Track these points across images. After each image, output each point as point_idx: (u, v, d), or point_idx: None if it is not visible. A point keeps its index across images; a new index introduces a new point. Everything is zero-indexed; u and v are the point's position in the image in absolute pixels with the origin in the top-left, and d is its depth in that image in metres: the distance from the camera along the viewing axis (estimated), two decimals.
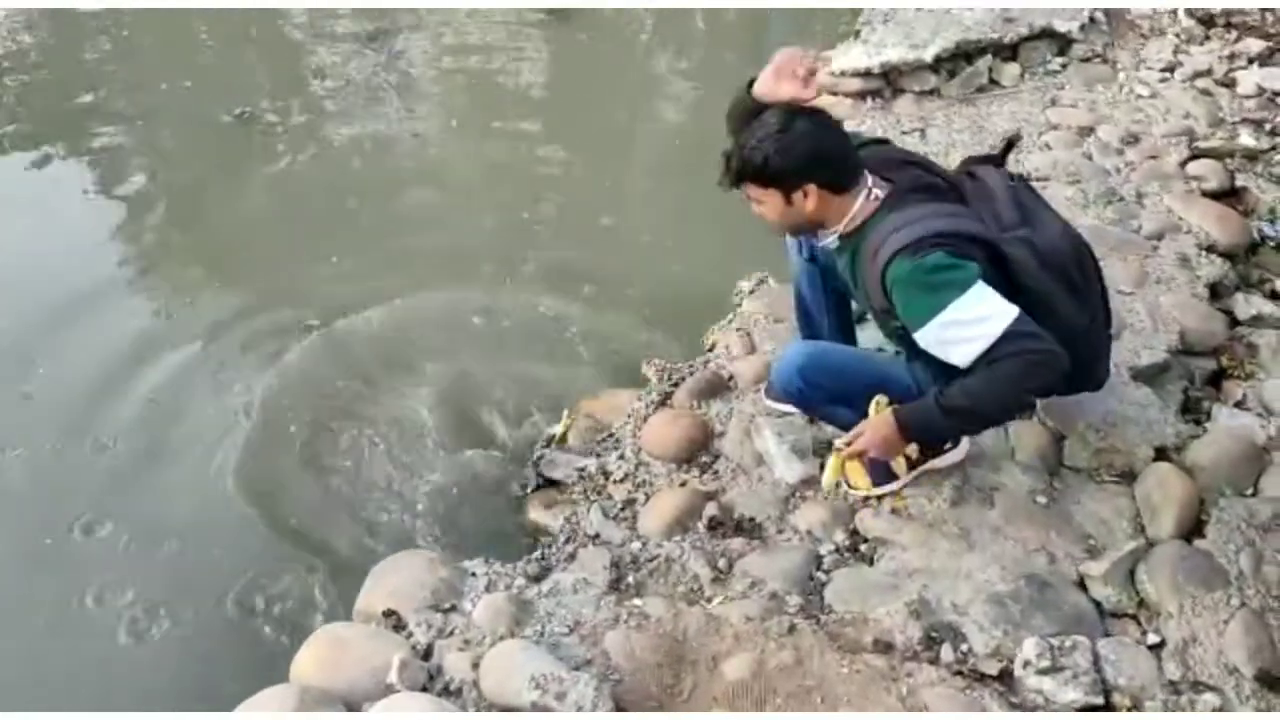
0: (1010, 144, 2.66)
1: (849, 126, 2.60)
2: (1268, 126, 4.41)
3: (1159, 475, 2.69)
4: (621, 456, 3.02)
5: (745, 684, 2.20)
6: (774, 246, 3.93)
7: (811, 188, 2.29)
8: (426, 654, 2.30)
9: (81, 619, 2.73)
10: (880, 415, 2.43)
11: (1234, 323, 3.42)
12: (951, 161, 3.44)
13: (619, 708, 2.14)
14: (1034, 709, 2.18)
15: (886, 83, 4.89)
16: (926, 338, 2.24)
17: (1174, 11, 5.38)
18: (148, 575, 2.84)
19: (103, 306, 3.88)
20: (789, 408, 2.98)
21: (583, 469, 3.01)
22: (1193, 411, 3.03)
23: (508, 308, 3.84)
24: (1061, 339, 2.34)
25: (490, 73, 5.87)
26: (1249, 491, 2.72)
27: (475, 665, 2.23)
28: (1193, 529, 2.61)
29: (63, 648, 2.67)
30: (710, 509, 2.74)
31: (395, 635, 2.34)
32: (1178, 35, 5.23)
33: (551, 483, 3.02)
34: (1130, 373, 3.04)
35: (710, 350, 3.47)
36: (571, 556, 2.65)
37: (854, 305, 2.90)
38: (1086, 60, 5.08)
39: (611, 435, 3.14)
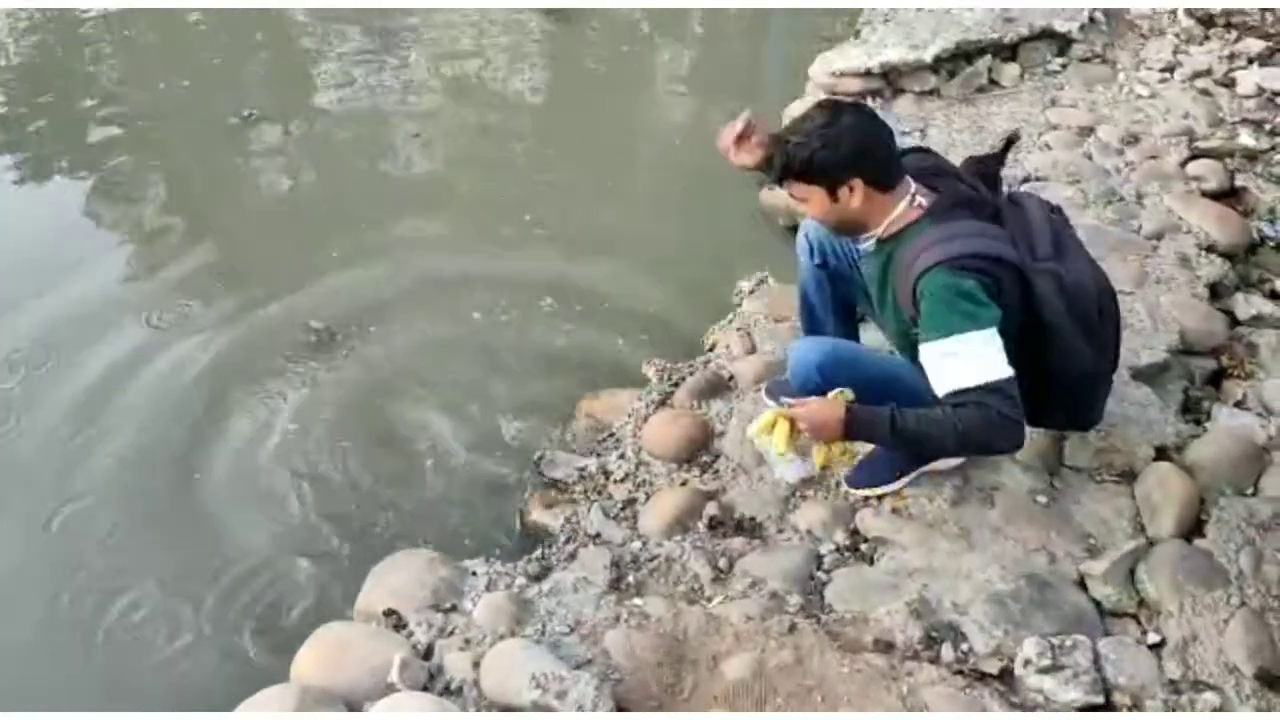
0: (1010, 143, 2.66)
1: None
2: (1267, 126, 4.41)
3: (1159, 475, 2.69)
4: (622, 456, 3.02)
5: (746, 683, 2.20)
6: (774, 247, 3.97)
7: (857, 183, 2.26)
8: (427, 653, 2.30)
9: (79, 617, 2.73)
10: (834, 401, 2.40)
11: (1234, 322, 3.42)
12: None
13: (619, 707, 2.14)
14: (1034, 708, 2.18)
15: (886, 83, 4.89)
16: (930, 352, 2.23)
17: (1174, 12, 5.38)
18: (147, 574, 2.83)
19: (106, 305, 3.88)
20: None
21: (583, 469, 3.02)
22: (1193, 411, 3.04)
23: (508, 306, 3.84)
24: (1068, 379, 2.36)
25: (491, 72, 5.87)
26: (1249, 491, 2.72)
27: (476, 664, 2.23)
28: (1193, 528, 2.61)
29: (62, 647, 2.67)
30: (710, 508, 2.74)
31: (396, 635, 2.34)
32: (1177, 35, 5.23)
33: (553, 482, 3.02)
34: (1130, 372, 3.04)
35: (710, 350, 3.48)
36: (572, 556, 2.65)
37: (858, 309, 2.91)
38: (1086, 60, 5.09)
39: (612, 435, 3.14)
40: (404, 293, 3.92)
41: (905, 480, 2.73)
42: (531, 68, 6.02)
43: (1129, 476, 2.75)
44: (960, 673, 2.25)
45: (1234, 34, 5.19)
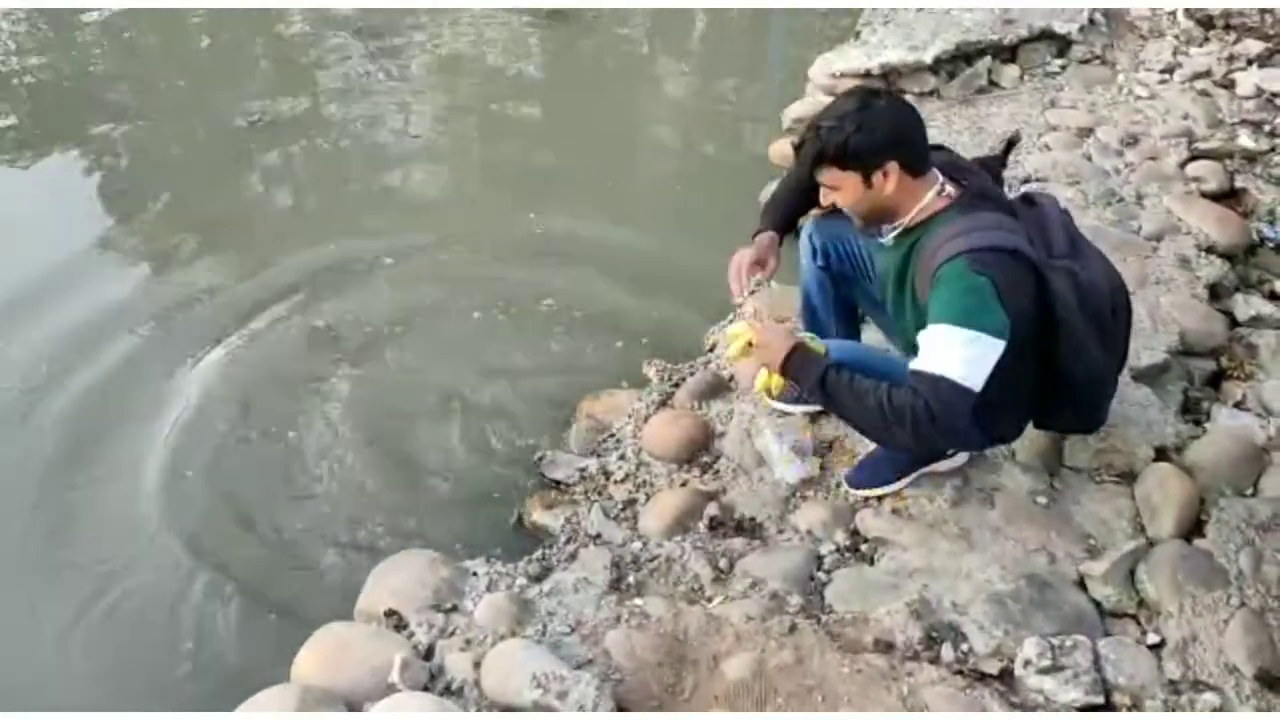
0: (1010, 145, 2.67)
1: None
2: (1267, 128, 4.41)
3: (1159, 475, 2.69)
4: (622, 457, 3.03)
5: (746, 683, 2.20)
6: None
7: (893, 167, 2.22)
8: (428, 654, 2.30)
9: (80, 616, 2.74)
10: (786, 332, 2.43)
11: (1233, 323, 3.43)
12: None
13: (620, 707, 2.14)
14: (1034, 708, 2.18)
15: (886, 84, 4.88)
16: (930, 332, 2.19)
17: (1173, 13, 5.39)
18: (147, 572, 2.84)
19: (111, 306, 3.89)
20: (790, 407, 2.99)
21: (583, 469, 3.02)
22: (1192, 412, 3.04)
23: (509, 306, 3.85)
24: (1077, 379, 2.35)
25: (490, 74, 5.87)
26: (1249, 491, 2.72)
27: (477, 665, 2.23)
28: (1192, 529, 2.61)
29: (61, 646, 2.67)
30: (711, 509, 2.75)
31: (397, 635, 2.35)
32: (1177, 37, 5.24)
33: (553, 483, 3.02)
34: (1130, 373, 3.04)
35: (711, 351, 3.48)
36: (572, 556, 2.66)
37: (860, 311, 2.91)
38: (1086, 62, 5.10)
39: (612, 435, 3.14)
40: (405, 294, 3.93)
41: (905, 481, 2.73)
42: (531, 69, 6.03)
43: (1129, 477, 2.75)
44: (960, 673, 2.25)
45: (1233, 35, 5.19)
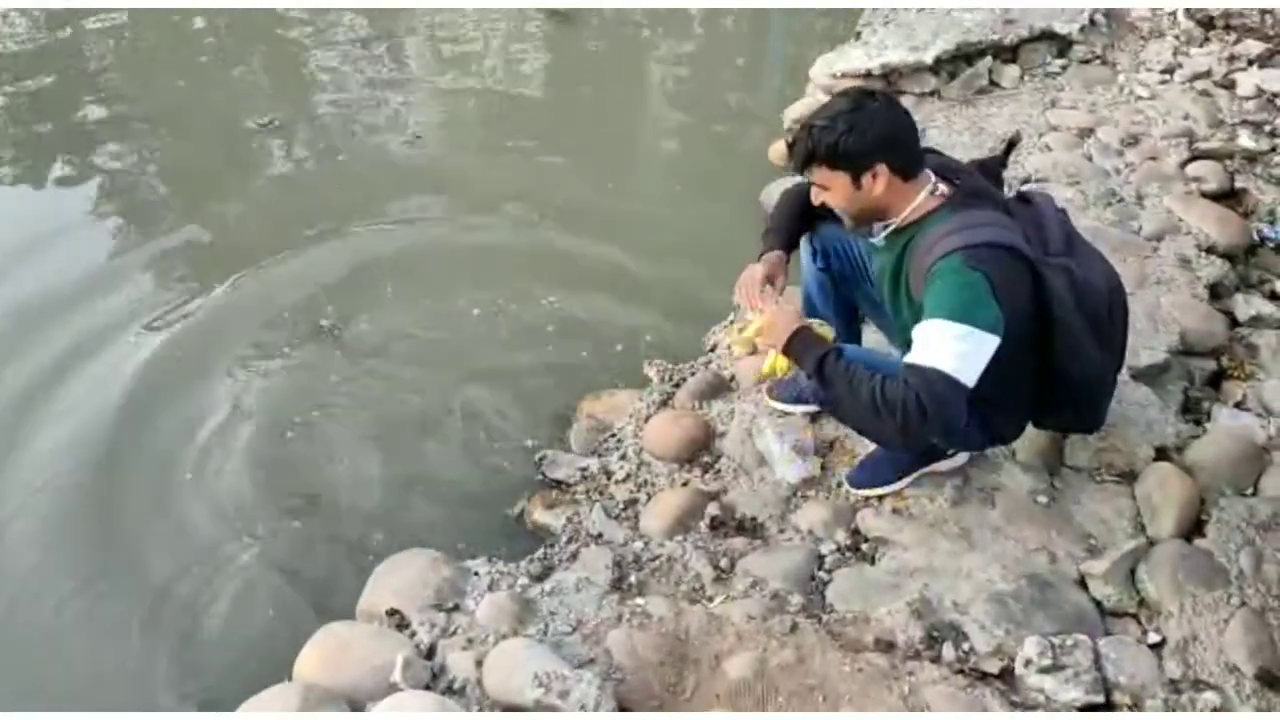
0: (1011, 146, 2.67)
1: None
2: (1267, 128, 4.41)
3: (1159, 475, 2.70)
4: (623, 456, 3.04)
5: (747, 683, 2.21)
6: None
7: (882, 169, 2.23)
8: (430, 653, 2.31)
9: (81, 614, 2.74)
10: (794, 313, 2.44)
11: (1234, 323, 3.43)
12: None
13: (621, 706, 2.15)
14: (1035, 708, 2.19)
15: (887, 84, 4.89)
16: (924, 327, 2.19)
17: (1174, 13, 5.38)
18: (147, 569, 2.85)
19: (119, 307, 3.91)
20: (790, 407, 2.99)
21: (585, 469, 3.03)
22: (1193, 411, 3.04)
23: (509, 306, 3.85)
24: (1074, 378, 2.36)
25: (492, 74, 5.88)
26: (1249, 491, 2.72)
27: (478, 664, 2.24)
28: (1193, 528, 2.61)
29: (62, 644, 2.68)
30: (712, 509, 2.75)
31: (398, 634, 2.35)
32: (1177, 37, 5.24)
33: (554, 483, 3.03)
34: (1130, 373, 3.04)
35: (711, 351, 3.48)
36: (574, 556, 2.66)
37: (860, 311, 2.91)
38: (1086, 62, 5.10)
39: (613, 435, 3.15)
40: (408, 293, 3.93)
41: (906, 481, 2.73)
42: (532, 69, 6.03)
43: (1129, 477, 2.75)
44: (961, 672, 2.26)
45: (1234, 36, 5.19)
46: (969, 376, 2.14)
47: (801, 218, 2.67)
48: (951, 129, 4.62)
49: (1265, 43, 5.05)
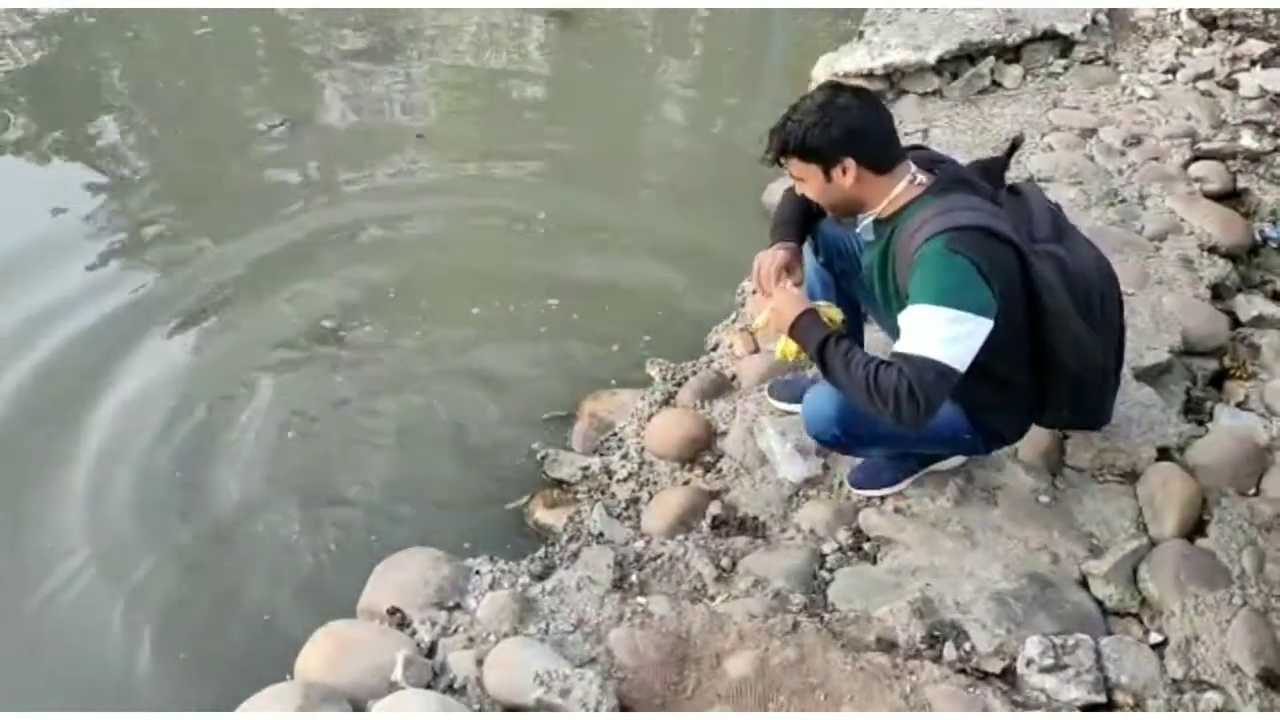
0: (1014, 146, 2.66)
1: None
2: (1270, 128, 4.41)
3: (1161, 475, 2.70)
4: (625, 456, 3.04)
5: (749, 681, 2.21)
6: None
7: (850, 163, 2.25)
8: (430, 651, 2.30)
9: (82, 610, 2.74)
10: (800, 296, 2.46)
11: (1236, 324, 3.43)
12: None
13: (623, 705, 2.15)
14: (1036, 707, 2.19)
15: (889, 84, 4.91)
16: (910, 313, 2.19)
17: (1176, 14, 5.38)
18: (145, 568, 2.85)
19: (131, 306, 3.90)
20: (792, 407, 2.99)
21: (587, 468, 3.02)
22: (1195, 412, 3.04)
23: (511, 306, 3.85)
24: (1073, 370, 2.34)
25: (493, 74, 5.87)
26: (1251, 491, 2.72)
27: (479, 663, 2.24)
28: (1195, 528, 2.61)
29: (63, 640, 2.67)
30: (714, 508, 2.75)
31: (399, 633, 2.35)
32: (1180, 37, 5.23)
33: (556, 482, 3.03)
34: (1133, 373, 3.04)
35: (714, 350, 3.48)
36: (575, 555, 2.66)
37: (863, 309, 2.91)
38: (1089, 62, 5.10)
39: (615, 434, 3.15)
40: (410, 293, 3.93)
41: (908, 481, 2.73)
42: (533, 70, 6.03)
43: (1131, 476, 2.75)
44: (963, 671, 2.26)
45: (1237, 36, 5.19)
46: (960, 362, 2.14)
47: (808, 213, 2.67)
48: (954, 129, 4.62)
49: (1268, 43, 5.05)
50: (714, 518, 2.72)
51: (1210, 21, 5.32)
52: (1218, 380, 3.24)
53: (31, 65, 5.81)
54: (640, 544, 2.68)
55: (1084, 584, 2.48)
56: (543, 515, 2.89)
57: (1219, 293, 3.54)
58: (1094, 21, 5.18)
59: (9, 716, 2.48)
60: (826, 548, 2.64)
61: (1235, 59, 4.98)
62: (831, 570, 2.58)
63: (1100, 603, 2.44)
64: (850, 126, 2.24)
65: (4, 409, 3.34)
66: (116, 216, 4.47)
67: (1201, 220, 3.80)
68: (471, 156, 4.98)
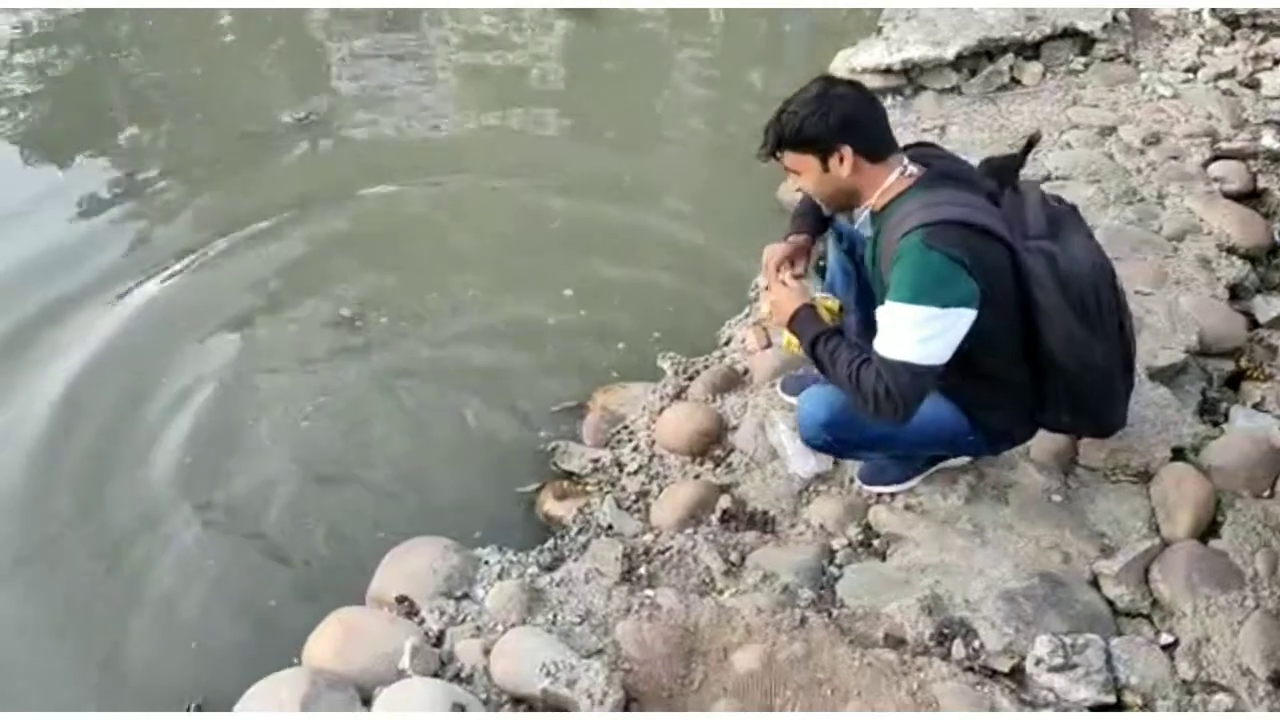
0: (1030, 144, 2.64)
1: None
2: None
3: (1175, 475, 2.68)
4: (635, 449, 3.03)
5: (755, 675, 2.21)
6: None
7: (847, 151, 2.26)
8: (438, 640, 2.32)
9: (88, 596, 2.76)
10: (800, 290, 2.47)
11: (1253, 324, 3.40)
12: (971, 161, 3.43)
13: (629, 696, 2.15)
14: (1045, 706, 2.18)
15: (907, 80, 4.89)
16: (885, 310, 2.20)
17: (1199, 12, 5.34)
18: (154, 556, 2.87)
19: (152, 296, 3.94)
20: None
21: (597, 460, 3.02)
22: (1210, 413, 3.02)
23: (526, 298, 3.86)
24: (1071, 371, 2.31)
25: (515, 72, 5.88)
26: (1266, 493, 2.69)
27: (486, 652, 2.25)
28: (1208, 530, 2.59)
29: (63, 635, 2.69)
30: (723, 502, 2.75)
31: (408, 621, 2.36)
32: (1202, 36, 5.19)
33: (566, 474, 3.03)
34: (1148, 373, 3.02)
35: (726, 344, 3.48)
36: (584, 547, 2.66)
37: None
38: (1109, 60, 5.06)
39: (626, 428, 3.15)
40: (427, 284, 3.94)
41: (918, 478, 2.72)
42: (553, 67, 6.04)
43: (1144, 477, 2.73)
44: (971, 669, 2.24)
45: (1260, 35, 5.14)
46: (937, 358, 2.16)
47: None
48: (972, 126, 4.59)
49: None
50: (724, 512, 2.72)
51: (1233, 20, 5.27)
52: (1234, 381, 3.22)
53: (54, 58, 5.86)
54: (649, 537, 2.68)
55: (1095, 584, 2.46)
56: (552, 507, 2.89)
57: (1237, 293, 3.51)
58: (1115, 19, 5.15)
59: (9, 716, 2.48)
60: (836, 543, 2.63)
61: (1258, 58, 4.94)
62: (841, 566, 2.57)
63: (1111, 603, 2.42)
64: (846, 114, 2.26)
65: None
66: (134, 205, 4.51)
67: (1220, 220, 3.76)
68: (490, 153, 4.99)
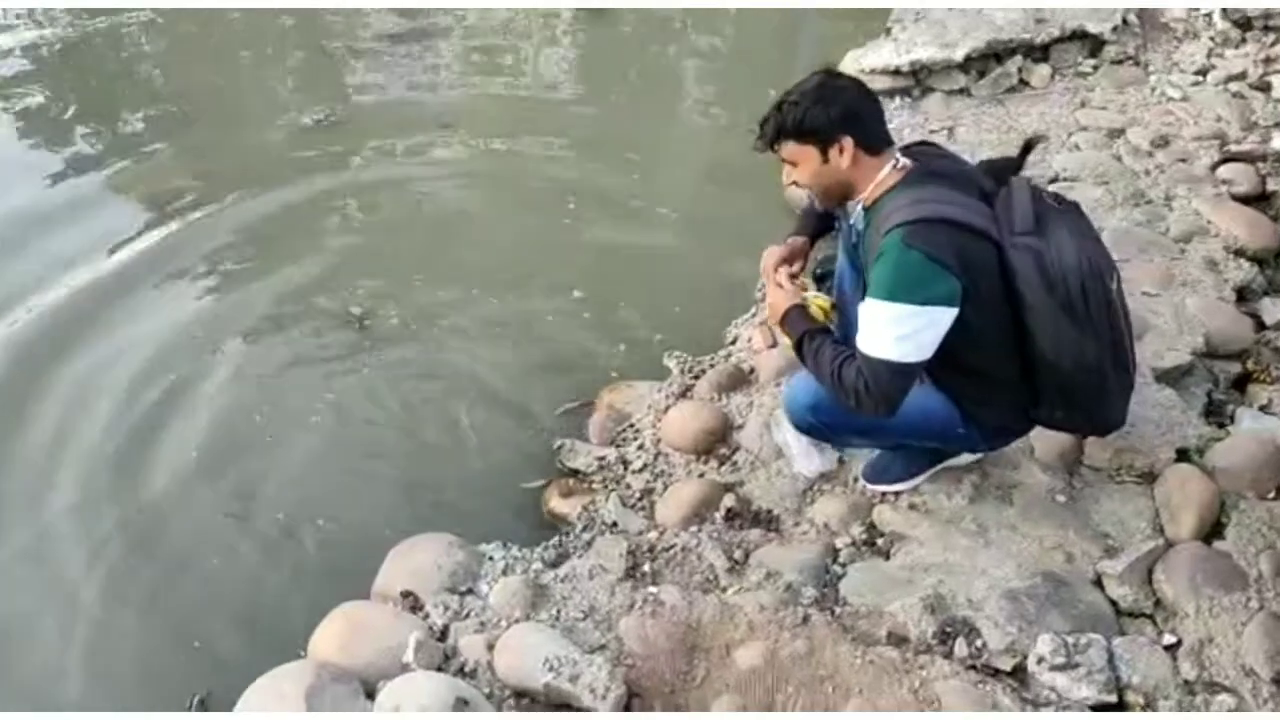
0: (1029, 147, 2.63)
1: None
2: None
3: (1180, 476, 2.67)
4: (641, 447, 3.04)
5: (758, 672, 2.21)
6: None
7: (848, 142, 2.26)
8: (442, 635, 2.33)
9: (87, 597, 2.76)
10: (793, 291, 2.51)
11: (1260, 327, 3.39)
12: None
13: (632, 692, 2.16)
14: (1046, 706, 2.18)
15: (916, 81, 4.89)
16: (865, 307, 2.21)
17: (1209, 14, 5.33)
18: (161, 542, 2.89)
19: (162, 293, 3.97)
20: None
21: (602, 458, 3.03)
22: (1216, 414, 3.02)
23: (535, 296, 3.88)
24: (1063, 369, 2.28)
25: (525, 70, 5.92)
26: (1270, 495, 2.69)
27: (490, 647, 2.26)
28: (1212, 531, 2.59)
29: (75, 617, 2.70)
30: (728, 500, 2.76)
31: (412, 616, 2.38)
32: (1212, 39, 5.18)
33: (572, 471, 3.04)
34: (1154, 374, 3.02)
35: (732, 343, 3.48)
36: (589, 544, 2.67)
37: None
38: (1118, 62, 5.06)
39: (632, 426, 3.16)
40: (435, 281, 3.97)
41: (922, 477, 2.72)
42: (565, 66, 6.06)
43: (1149, 477, 2.73)
44: (973, 668, 2.25)
45: (1272, 37, 5.13)
46: (917, 355, 2.18)
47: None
48: (980, 127, 4.60)
49: None
50: (728, 510, 2.72)
51: (1245, 22, 5.26)
52: (1240, 383, 3.21)
53: (68, 52, 5.89)
54: (653, 534, 2.69)
55: (1098, 584, 2.46)
56: (557, 504, 2.90)
57: (1244, 296, 3.51)
58: (1124, 21, 5.14)
59: (9, 716, 2.50)
60: (840, 542, 2.64)
61: (1269, 60, 4.92)
62: (844, 565, 2.58)
63: (1114, 603, 2.42)
64: (848, 105, 2.28)
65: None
66: (149, 204, 4.53)
67: (1228, 223, 3.76)
68: (500, 151, 5.01)
